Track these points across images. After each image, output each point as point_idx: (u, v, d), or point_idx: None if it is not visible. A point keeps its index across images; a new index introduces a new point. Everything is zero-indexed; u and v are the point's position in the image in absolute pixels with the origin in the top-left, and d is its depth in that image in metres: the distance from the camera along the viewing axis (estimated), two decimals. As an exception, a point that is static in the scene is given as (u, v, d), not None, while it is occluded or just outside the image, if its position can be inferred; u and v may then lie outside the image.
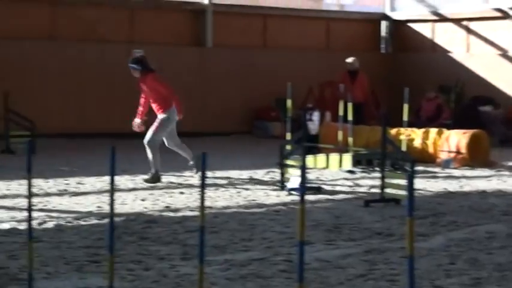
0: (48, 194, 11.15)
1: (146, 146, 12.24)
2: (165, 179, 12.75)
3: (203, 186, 4.19)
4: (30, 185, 4.40)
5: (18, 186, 11.77)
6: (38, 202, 10.13)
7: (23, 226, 8.53)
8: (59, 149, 17.81)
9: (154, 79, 12.43)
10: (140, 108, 12.62)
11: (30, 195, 4.43)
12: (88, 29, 21.22)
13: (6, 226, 8.62)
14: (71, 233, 8.30)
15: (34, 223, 8.00)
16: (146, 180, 12.25)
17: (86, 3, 21.32)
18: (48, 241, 7.83)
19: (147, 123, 12.68)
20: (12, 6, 20.50)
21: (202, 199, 4.19)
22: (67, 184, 12.21)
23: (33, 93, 20.08)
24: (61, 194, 11.27)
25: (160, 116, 12.32)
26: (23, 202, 10.26)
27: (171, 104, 12.39)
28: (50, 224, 8.78)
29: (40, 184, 11.90)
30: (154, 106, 12.45)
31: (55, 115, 20.57)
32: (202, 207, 4.20)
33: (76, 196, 11.07)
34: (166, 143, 12.66)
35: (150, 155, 12.23)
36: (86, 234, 8.22)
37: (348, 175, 13.64)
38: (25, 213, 9.16)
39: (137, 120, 12.63)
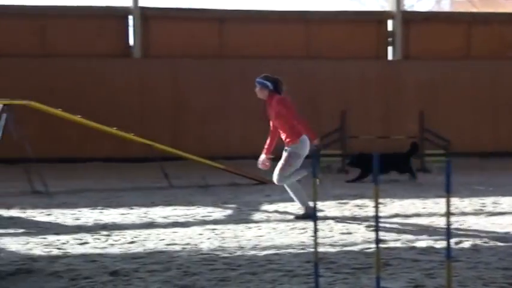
0: (464, 213, 11.10)
1: (282, 185, 10.52)
2: None
3: None
4: (448, 204, 4.38)
5: (434, 204, 11.90)
6: (453, 221, 10.13)
7: (439, 245, 8.55)
8: (473, 167, 17.72)
9: (279, 102, 10.29)
10: (267, 141, 10.56)
11: (448, 214, 4.40)
12: (503, 46, 20.96)
13: (422, 244, 8.70)
14: (488, 254, 8.14)
15: (451, 242, 7.99)
16: (298, 217, 10.59)
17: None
18: (465, 261, 7.75)
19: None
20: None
21: None
22: (483, 204, 12.09)
23: (448, 112, 20.28)
24: (477, 213, 11.15)
25: (288, 148, 10.39)
26: (438, 221, 10.33)
27: (299, 135, 10.32)
28: (466, 244, 8.69)
29: (455, 203, 11.93)
30: (283, 137, 10.45)
31: (469, 133, 20.55)
32: None
33: (492, 216, 10.89)
34: None
35: (290, 192, 10.58)
36: (504, 256, 8.01)
37: None
38: (441, 232, 9.20)
39: (262, 156, 10.62)
